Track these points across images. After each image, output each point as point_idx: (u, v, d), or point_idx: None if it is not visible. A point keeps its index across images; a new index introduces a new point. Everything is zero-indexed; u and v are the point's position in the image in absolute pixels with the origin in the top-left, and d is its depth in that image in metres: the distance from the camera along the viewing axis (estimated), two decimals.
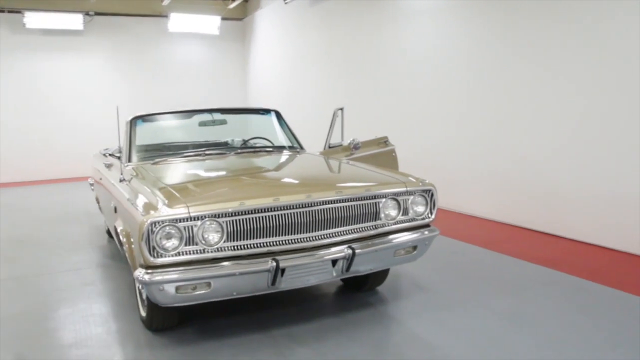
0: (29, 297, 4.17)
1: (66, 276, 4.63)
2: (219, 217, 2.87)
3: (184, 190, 3.21)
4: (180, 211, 2.81)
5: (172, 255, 2.81)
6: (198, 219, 2.83)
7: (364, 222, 3.27)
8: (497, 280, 4.24)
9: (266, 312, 3.65)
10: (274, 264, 2.92)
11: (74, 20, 11.07)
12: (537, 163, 5.71)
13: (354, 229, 3.23)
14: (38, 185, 10.73)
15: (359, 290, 4.03)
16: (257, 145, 4.68)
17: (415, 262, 4.61)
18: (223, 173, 3.90)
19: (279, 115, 5.06)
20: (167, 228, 2.78)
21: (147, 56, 12.32)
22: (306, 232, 3.07)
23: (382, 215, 3.32)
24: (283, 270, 3.00)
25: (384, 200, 3.32)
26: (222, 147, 4.55)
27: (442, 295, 3.96)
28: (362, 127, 8.75)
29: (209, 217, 2.85)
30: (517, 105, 5.90)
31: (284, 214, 3.00)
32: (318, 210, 3.09)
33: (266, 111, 5.11)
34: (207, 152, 4.32)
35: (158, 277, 2.77)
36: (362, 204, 3.24)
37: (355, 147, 5.15)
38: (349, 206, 3.19)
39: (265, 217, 2.97)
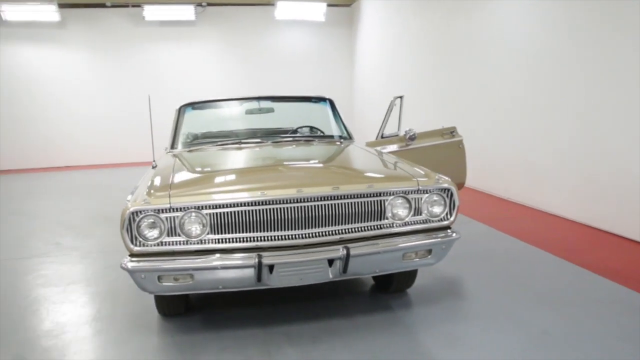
0: (79, 273, 4.51)
1: (122, 255, 4.92)
2: (201, 209, 2.82)
3: (182, 180, 3.19)
4: (161, 202, 2.80)
5: (155, 245, 2.82)
6: (179, 210, 2.81)
7: (366, 222, 3.01)
8: (547, 292, 3.71)
9: (276, 307, 3.56)
10: (257, 260, 2.80)
11: (187, 12, 11.77)
12: (630, 161, 4.88)
13: (352, 229, 2.98)
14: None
15: (386, 291, 3.76)
16: (298, 135, 4.54)
17: (463, 264, 4.30)
18: (241, 163, 3.81)
19: (332, 104, 4.88)
20: (150, 218, 2.79)
21: (254, 44, 12.73)
22: (297, 229, 2.90)
23: (388, 214, 3.04)
24: (272, 267, 2.88)
25: (390, 198, 3.02)
26: (263, 136, 4.48)
27: (475, 304, 3.56)
28: (449, 116, 8.26)
29: (191, 208, 2.81)
30: (615, 99, 5.08)
31: (272, 209, 2.86)
32: (310, 206, 2.89)
33: (319, 99, 4.95)
34: (242, 140, 4.29)
35: (138, 266, 2.79)
36: (363, 202, 2.98)
37: (410, 137, 4.82)
38: (347, 203, 2.95)
39: (252, 211, 2.85)
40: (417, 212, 3.10)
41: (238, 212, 2.84)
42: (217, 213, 2.83)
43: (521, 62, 6.47)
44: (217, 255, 2.83)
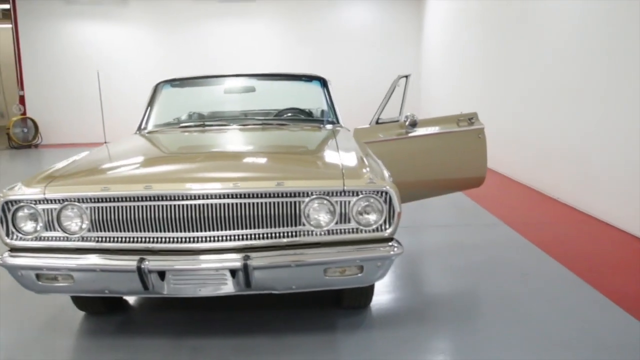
0: None
1: None
2: (80, 202, 2.45)
3: (77, 168, 2.82)
4: (34, 191, 2.46)
5: (32, 240, 2.50)
6: (56, 202, 2.46)
7: (277, 227, 2.48)
8: (542, 326, 2.94)
9: (204, 315, 3.13)
10: (137, 264, 2.39)
11: None
12: None
13: (260, 235, 2.47)
14: None
15: (339, 307, 3.20)
16: (274, 118, 4.05)
17: (456, 278, 3.73)
18: (172, 150, 3.43)
19: (325, 84, 4.33)
20: (27, 209, 2.48)
21: (315, 20, 12.25)
22: (190, 232, 2.45)
23: (304, 219, 2.48)
24: (163, 274, 2.46)
25: (307, 199, 2.47)
26: (235, 119, 4.04)
27: (438, 333, 2.91)
28: (501, 99, 7.36)
29: (70, 200, 2.45)
30: None
31: (159, 206, 2.43)
32: (206, 205, 2.42)
33: (310, 78, 4.41)
34: (207, 123, 3.88)
35: (14, 262, 2.49)
36: (272, 203, 2.45)
37: (411, 124, 4.15)
38: (251, 204, 2.44)
39: (137, 207, 2.44)
40: (345, 219, 2.51)
41: (122, 207, 2.44)
42: (97, 207, 2.45)
43: (586, 46, 5.48)
44: (95, 255, 2.46)
